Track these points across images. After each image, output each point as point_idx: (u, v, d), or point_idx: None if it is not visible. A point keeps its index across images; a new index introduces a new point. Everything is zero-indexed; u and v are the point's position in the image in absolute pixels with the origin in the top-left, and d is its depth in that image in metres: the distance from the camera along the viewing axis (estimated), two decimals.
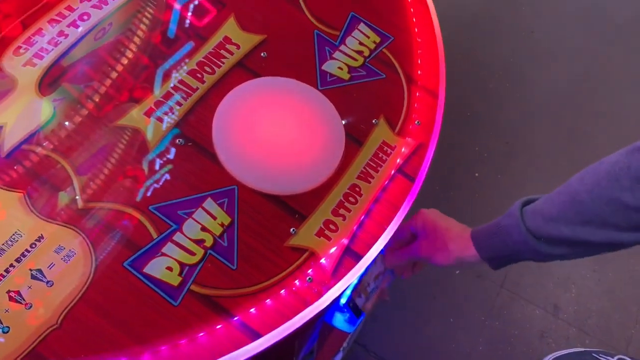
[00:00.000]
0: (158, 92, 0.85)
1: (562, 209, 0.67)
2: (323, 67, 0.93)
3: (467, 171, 1.90)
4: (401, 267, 0.90)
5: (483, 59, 2.17)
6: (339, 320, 0.99)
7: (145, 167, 0.79)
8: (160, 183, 0.78)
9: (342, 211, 0.82)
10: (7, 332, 0.66)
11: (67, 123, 0.80)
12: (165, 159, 0.80)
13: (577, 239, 0.66)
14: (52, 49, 0.84)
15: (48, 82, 0.82)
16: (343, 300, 0.95)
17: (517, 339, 1.60)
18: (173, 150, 0.81)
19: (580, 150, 1.98)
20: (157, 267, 0.72)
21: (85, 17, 0.88)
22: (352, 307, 0.97)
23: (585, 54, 2.22)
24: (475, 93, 2.08)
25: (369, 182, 0.85)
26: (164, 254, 0.73)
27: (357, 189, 0.84)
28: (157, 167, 0.79)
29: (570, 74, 2.16)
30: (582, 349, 0.68)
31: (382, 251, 0.83)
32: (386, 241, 0.82)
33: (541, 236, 0.69)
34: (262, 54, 0.92)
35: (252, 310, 0.72)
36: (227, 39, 0.91)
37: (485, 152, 1.94)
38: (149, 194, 0.77)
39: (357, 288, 0.93)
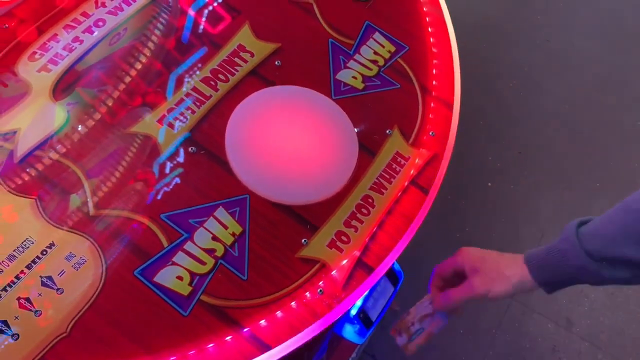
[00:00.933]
0: (171, 99, 0.85)
1: (624, 228, 0.64)
2: (337, 76, 0.92)
3: (480, 181, 1.88)
4: (454, 308, 0.84)
5: (497, 67, 2.15)
6: (349, 332, 0.97)
7: (156, 174, 0.78)
8: (172, 191, 0.77)
9: (354, 222, 0.81)
10: (17, 339, 0.65)
11: (80, 129, 0.80)
12: (177, 166, 0.80)
13: None
14: (67, 55, 0.84)
15: (62, 88, 0.82)
16: (353, 312, 0.94)
17: (528, 352, 1.57)
18: (185, 157, 0.81)
19: (595, 161, 1.95)
20: (167, 276, 0.71)
21: (100, 23, 0.88)
22: (363, 319, 0.95)
23: (601, 63, 2.20)
24: (489, 102, 2.06)
25: (382, 194, 0.84)
26: (174, 263, 0.72)
27: (370, 200, 0.83)
28: (168, 174, 0.79)
29: (585, 83, 2.14)
30: None
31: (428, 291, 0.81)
32: (399, 254, 0.81)
33: (601, 259, 0.66)
34: (276, 63, 0.91)
35: (262, 322, 0.71)
36: (241, 47, 0.91)
37: (498, 161, 1.92)
38: (160, 201, 0.76)
39: (398, 325, 0.88)
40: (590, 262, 0.67)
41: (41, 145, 0.78)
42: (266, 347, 0.69)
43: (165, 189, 0.78)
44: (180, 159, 0.80)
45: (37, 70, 0.83)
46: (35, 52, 0.84)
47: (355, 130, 0.88)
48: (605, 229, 0.67)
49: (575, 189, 1.88)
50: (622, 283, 0.68)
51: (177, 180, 0.79)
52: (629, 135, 2.03)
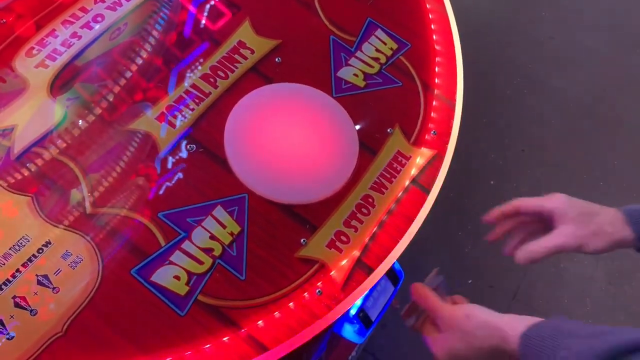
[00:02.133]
0: (170, 96, 0.84)
1: None
2: (338, 74, 0.91)
3: (483, 178, 1.87)
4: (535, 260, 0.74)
5: (500, 64, 2.14)
6: (348, 331, 0.97)
7: (155, 172, 0.78)
8: (170, 189, 0.77)
9: (354, 222, 0.80)
10: (12, 338, 0.65)
11: (78, 126, 0.79)
12: (175, 164, 0.79)
13: None
14: (65, 51, 0.84)
15: (60, 85, 0.81)
16: (353, 311, 0.93)
17: None
18: (184, 156, 0.80)
19: (599, 159, 1.94)
20: (164, 276, 0.71)
21: (99, 19, 0.87)
22: (362, 318, 0.95)
23: (606, 62, 2.18)
24: (492, 99, 2.04)
25: (383, 193, 0.83)
26: (172, 263, 0.72)
27: (370, 199, 0.82)
28: (167, 173, 0.78)
29: (590, 82, 2.12)
30: None
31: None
32: (399, 254, 0.80)
33: None
34: (276, 59, 0.90)
35: (260, 322, 0.71)
36: (241, 43, 0.90)
37: (501, 159, 1.91)
38: (158, 200, 0.76)
39: (409, 308, 0.84)
40: None
41: (39, 142, 0.77)
42: (263, 348, 0.69)
43: (164, 188, 0.77)
44: (179, 157, 0.79)
45: (34, 66, 0.82)
46: (32, 48, 0.83)
47: (356, 128, 0.87)
48: None
49: (578, 188, 1.86)
50: None
51: (175, 178, 0.78)
52: (633, 134, 2.01)
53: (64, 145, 0.77)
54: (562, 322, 0.58)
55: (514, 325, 0.61)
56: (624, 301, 1.66)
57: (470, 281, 1.65)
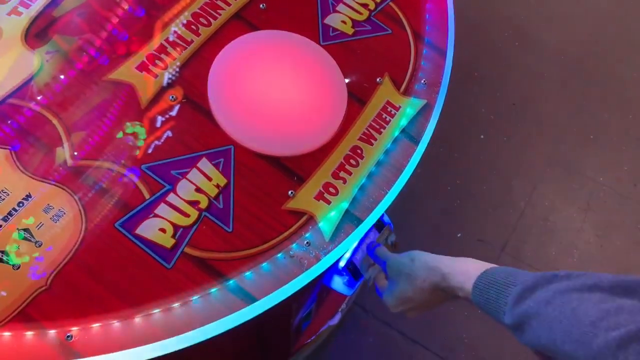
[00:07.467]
0: (151, 45, 0.80)
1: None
2: (325, 21, 0.88)
3: (473, 133, 1.85)
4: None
5: (492, 17, 2.09)
6: (338, 283, 0.97)
7: (137, 124, 0.75)
8: (153, 142, 0.75)
9: (342, 174, 0.78)
10: None
11: (56, 77, 0.76)
12: (158, 116, 0.76)
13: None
14: None
15: (35, 33, 0.78)
16: (342, 264, 0.93)
17: None
18: (166, 107, 0.77)
19: (589, 113, 1.93)
20: (149, 229, 0.69)
21: None
22: (351, 270, 0.95)
23: (599, 16, 2.14)
24: (484, 52, 2.01)
25: (372, 144, 0.81)
26: (157, 215, 0.70)
27: (359, 151, 0.80)
28: (149, 124, 0.76)
29: (582, 36, 2.09)
30: None
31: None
32: (387, 205, 0.79)
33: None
34: (260, 6, 0.87)
35: (248, 273, 0.70)
36: None
37: (491, 114, 1.89)
38: (141, 152, 0.74)
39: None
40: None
41: (14, 93, 0.74)
42: (251, 299, 0.68)
43: (146, 140, 0.75)
44: (161, 108, 0.77)
45: (7, 14, 0.78)
46: None
47: (345, 78, 0.84)
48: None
49: (568, 142, 1.86)
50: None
51: (159, 130, 0.75)
52: (624, 88, 2.00)
53: (42, 97, 0.74)
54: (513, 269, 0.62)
55: (452, 265, 0.67)
56: (612, 253, 1.68)
57: (459, 234, 1.66)
